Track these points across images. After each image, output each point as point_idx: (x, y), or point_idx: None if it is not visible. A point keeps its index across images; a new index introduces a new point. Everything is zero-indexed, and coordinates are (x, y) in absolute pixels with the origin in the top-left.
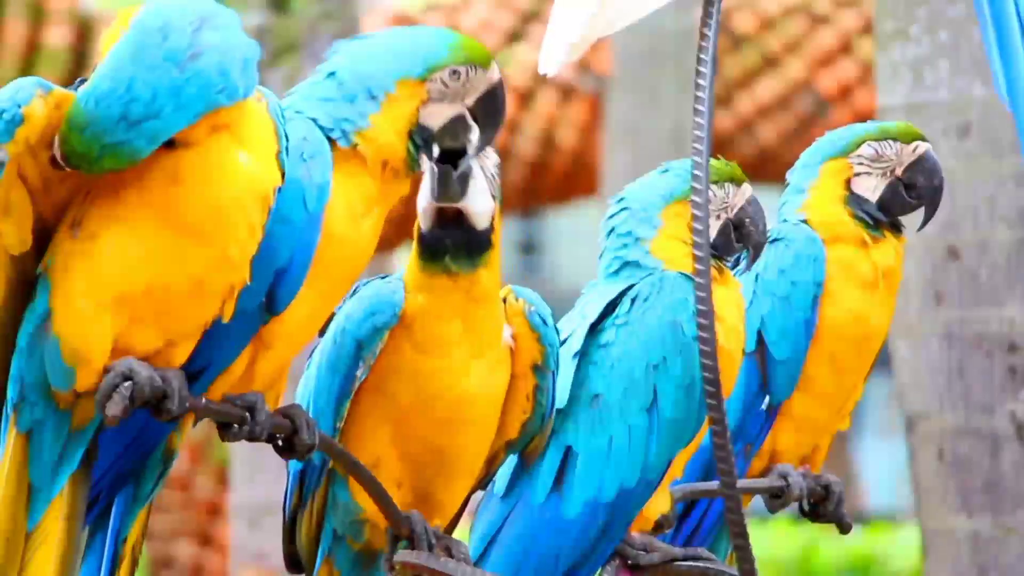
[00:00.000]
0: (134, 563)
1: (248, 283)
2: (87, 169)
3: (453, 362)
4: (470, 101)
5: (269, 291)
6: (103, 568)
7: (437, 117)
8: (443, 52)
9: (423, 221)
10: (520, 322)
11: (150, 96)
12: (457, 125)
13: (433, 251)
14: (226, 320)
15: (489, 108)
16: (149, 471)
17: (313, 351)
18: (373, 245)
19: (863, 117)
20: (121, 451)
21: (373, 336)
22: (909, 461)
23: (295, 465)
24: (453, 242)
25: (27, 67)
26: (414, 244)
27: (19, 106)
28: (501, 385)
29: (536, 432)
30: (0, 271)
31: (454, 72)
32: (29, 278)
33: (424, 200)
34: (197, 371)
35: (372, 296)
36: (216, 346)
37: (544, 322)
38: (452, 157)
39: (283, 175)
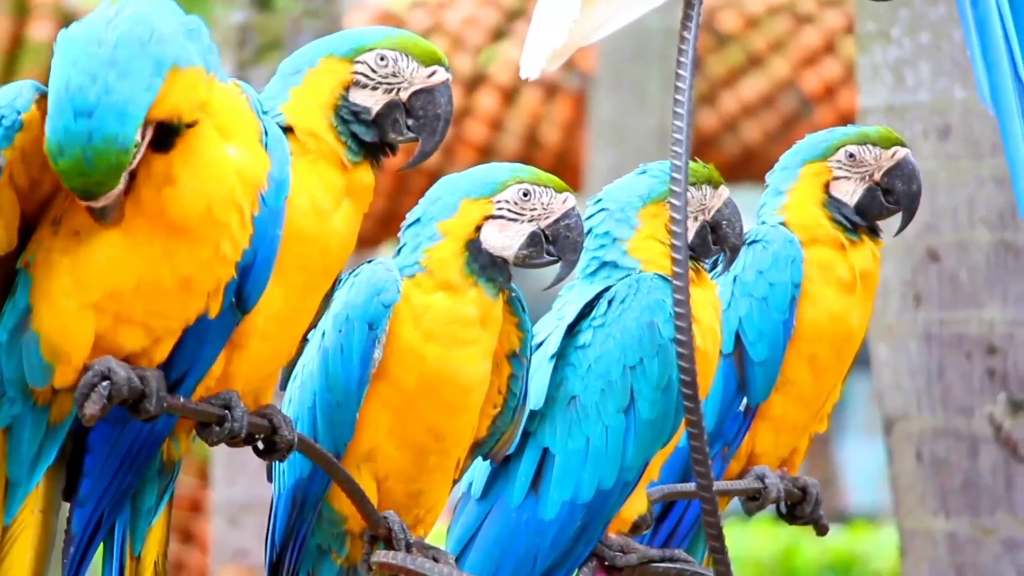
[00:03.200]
0: None
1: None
2: (96, 189)
3: (459, 349)
4: (404, 95)
5: (237, 290)
6: None
7: (369, 100)
8: (376, 38)
9: (511, 248)
10: (503, 307)
11: (89, 80)
12: (392, 112)
13: (488, 267)
14: (213, 315)
15: (427, 106)
16: (148, 485)
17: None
18: (349, 240)
19: (847, 117)
20: (116, 466)
21: (383, 314)
22: (888, 462)
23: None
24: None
25: (11, 62)
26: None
27: (19, 112)
28: (489, 373)
29: (505, 428)
30: None
31: (381, 57)
32: (9, 273)
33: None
34: (178, 378)
35: (371, 277)
36: (194, 350)
37: (523, 308)
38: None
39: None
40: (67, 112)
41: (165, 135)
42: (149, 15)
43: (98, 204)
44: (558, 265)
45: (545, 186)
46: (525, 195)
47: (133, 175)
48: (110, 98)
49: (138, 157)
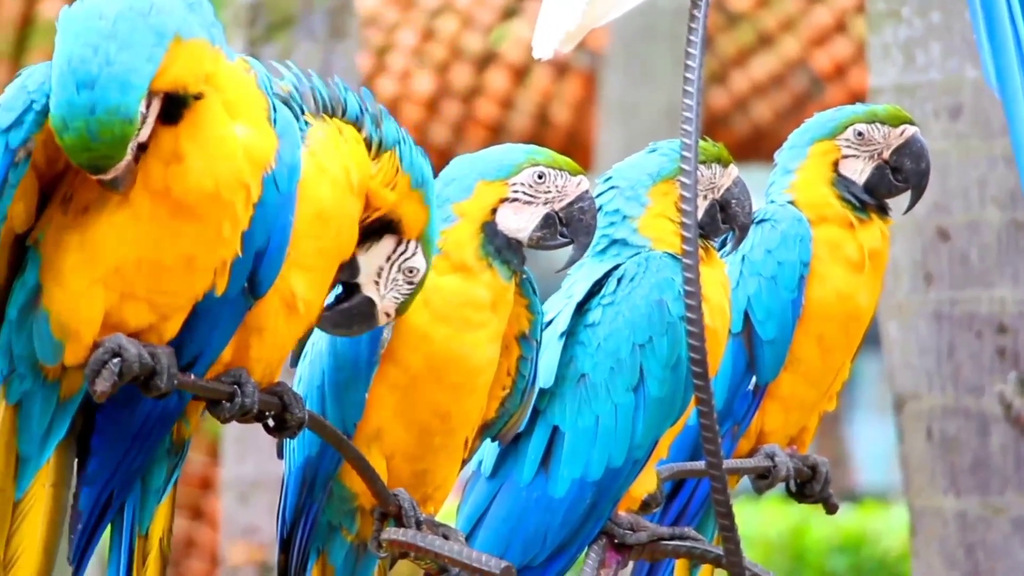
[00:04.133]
0: (164, 557)
1: (240, 256)
2: (103, 163)
3: (469, 332)
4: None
5: (250, 274)
6: (121, 562)
7: None
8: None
9: (525, 230)
10: (514, 288)
11: (91, 52)
12: None
13: (503, 249)
14: (219, 293)
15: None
16: (157, 465)
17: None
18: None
19: (858, 96)
20: (125, 445)
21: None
22: (898, 441)
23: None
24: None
25: (21, 40)
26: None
27: (47, 96)
28: (498, 354)
29: (514, 410)
30: (3, 249)
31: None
32: (19, 251)
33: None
34: (188, 362)
35: None
36: (205, 333)
37: (533, 290)
38: None
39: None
40: (69, 85)
41: (172, 107)
42: None
43: (107, 177)
44: (571, 247)
45: (560, 169)
46: (540, 177)
47: (143, 147)
48: (111, 69)
49: (146, 130)
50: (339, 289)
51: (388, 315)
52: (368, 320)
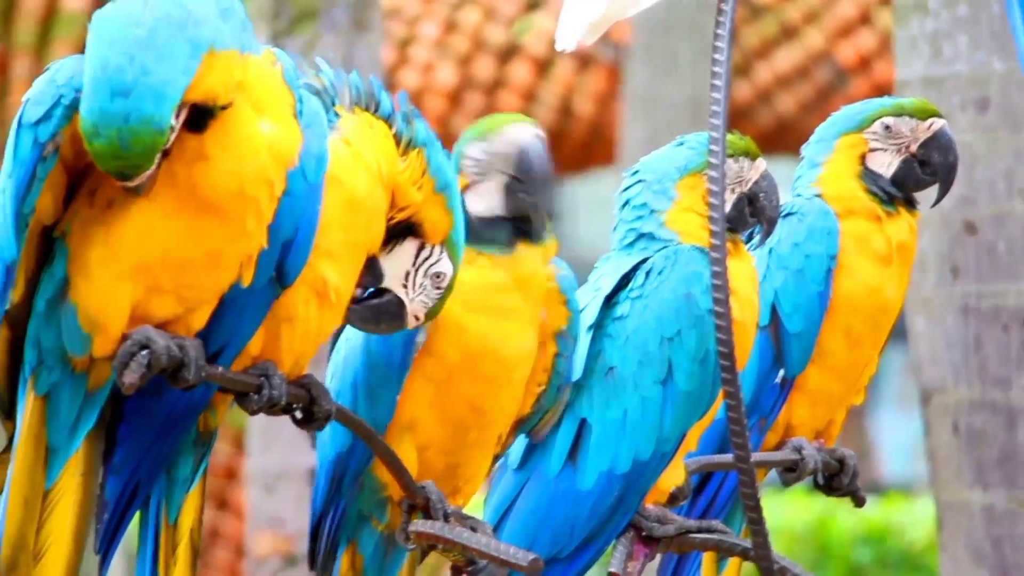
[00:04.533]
0: (194, 548)
1: (265, 248)
2: (131, 171)
3: (501, 320)
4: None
5: (278, 264)
6: (148, 552)
7: None
8: None
9: (486, 211)
10: (550, 287)
11: (127, 60)
12: None
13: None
14: (246, 284)
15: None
16: (183, 455)
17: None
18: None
19: (882, 88)
20: (152, 435)
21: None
22: (924, 435)
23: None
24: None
25: (45, 32)
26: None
27: (76, 91)
28: (535, 349)
29: (549, 407)
30: (31, 242)
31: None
32: (47, 242)
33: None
34: (216, 351)
35: None
36: (232, 324)
37: (572, 287)
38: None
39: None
40: (104, 92)
41: (200, 116)
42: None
43: (131, 184)
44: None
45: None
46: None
47: (166, 152)
48: (147, 79)
49: (172, 138)
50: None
51: (417, 318)
52: (396, 320)
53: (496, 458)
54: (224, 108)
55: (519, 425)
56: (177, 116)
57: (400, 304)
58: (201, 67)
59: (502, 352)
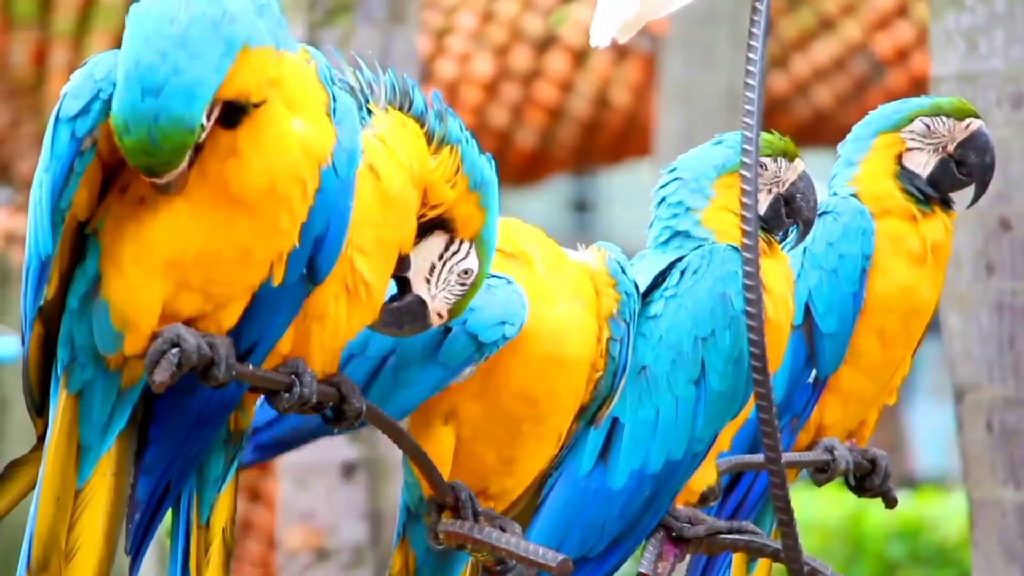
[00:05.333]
0: (227, 548)
1: (297, 247)
2: (161, 168)
3: (553, 307)
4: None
5: (309, 260)
6: (178, 552)
7: None
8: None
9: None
10: (600, 271)
11: (159, 58)
12: None
13: None
14: (276, 283)
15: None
16: (214, 454)
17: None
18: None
19: (919, 80)
20: (183, 434)
21: (497, 344)
22: (957, 431)
23: None
24: None
25: (83, 21)
26: None
27: (114, 86)
28: (592, 329)
29: (607, 393)
30: (65, 237)
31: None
32: (81, 237)
33: None
34: (247, 349)
35: (506, 303)
36: (263, 321)
37: (622, 270)
38: None
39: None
40: (135, 90)
41: (233, 112)
42: None
43: (161, 181)
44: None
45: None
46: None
47: (199, 148)
48: (179, 78)
49: (204, 135)
50: (393, 288)
51: (441, 316)
52: (419, 320)
53: (561, 451)
54: (257, 105)
55: (580, 413)
56: (209, 114)
57: (422, 303)
58: (234, 65)
59: (554, 338)
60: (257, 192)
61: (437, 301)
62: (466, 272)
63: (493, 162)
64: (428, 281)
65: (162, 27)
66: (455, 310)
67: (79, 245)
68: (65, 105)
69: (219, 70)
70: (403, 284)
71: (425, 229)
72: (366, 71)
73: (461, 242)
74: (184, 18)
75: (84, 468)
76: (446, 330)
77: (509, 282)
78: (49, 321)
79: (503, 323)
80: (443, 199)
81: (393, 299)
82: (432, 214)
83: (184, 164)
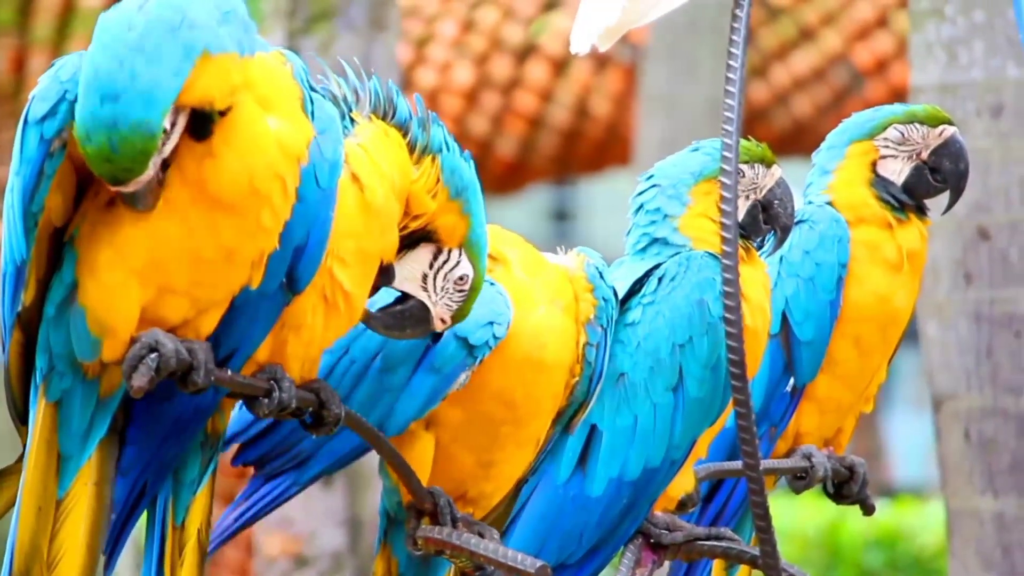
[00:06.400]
0: (202, 549)
1: (277, 250)
2: (124, 175)
3: (533, 310)
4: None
5: (289, 270)
6: (154, 553)
7: None
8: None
9: None
10: (579, 275)
11: (116, 64)
12: None
13: None
14: (255, 286)
15: None
16: (191, 457)
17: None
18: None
19: (899, 91)
20: (161, 437)
21: (489, 345)
22: (936, 441)
23: None
24: None
25: (62, 27)
26: None
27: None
28: (571, 333)
29: (583, 399)
30: (41, 243)
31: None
32: (58, 245)
33: None
34: (225, 356)
35: (491, 303)
36: (243, 329)
37: (601, 276)
38: None
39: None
40: (93, 97)
41: (201, 123)
42: (181, 2)
43: (127, 190)
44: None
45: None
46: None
47: (166, 164)
48: (136, 83)
49: (169, 144)
50: (396, 294)
51: (444, 321)
52: (422, 324)
53: (538, 456)
54: (224, 113)
55: (555, 419)
56: (173, 122)
57: (424, 308)
58: (194, 71)
59: (535, 341)
60: (236, 193)
61: (439, 307)
62: (462, 279)
63: (473, 163)
64: (424, 289)
65: (120, 34)
66: (458, 315)
67: (57, 254)
68: (33, 108)
69: (178, 75)
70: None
71: (411, 241)
72: (350, 78)
73: (450, 251)
74: (141, 24)
75: (65, 478)
76: (434, 336)
77: (492, 283)
78: (29, 328)
79: (491, 324)
80: (425, 209)
81: (396, 302)
82: (414, 225)
83: (151, 172)
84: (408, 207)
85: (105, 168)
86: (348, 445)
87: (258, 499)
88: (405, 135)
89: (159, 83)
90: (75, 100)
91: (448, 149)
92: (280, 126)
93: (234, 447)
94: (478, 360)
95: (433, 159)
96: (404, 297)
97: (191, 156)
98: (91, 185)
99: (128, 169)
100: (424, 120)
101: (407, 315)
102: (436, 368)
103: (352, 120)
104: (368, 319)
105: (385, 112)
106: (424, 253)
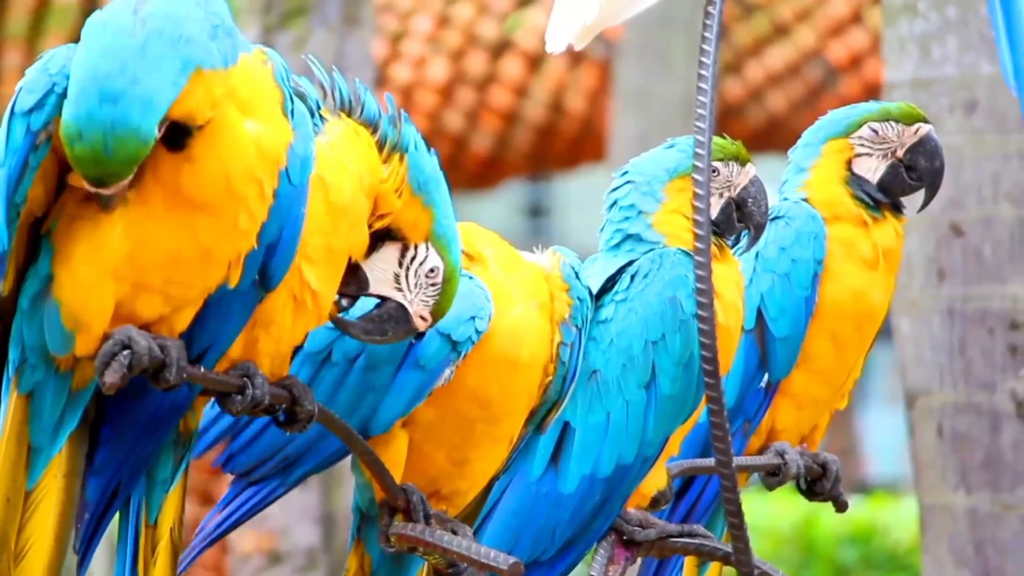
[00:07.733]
0: (174, 547)
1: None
2: (110, 178)
3: (509, 308)
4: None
5: (261, 267)
6: (127, 551)
7: None
8: None
9: None
10: (554, 274)
11: (118, 68)
12: None
13: None
14: (232, 285)
15: None
16: (164, 456)
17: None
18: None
19: (873, 87)
20: (134, 436)
21: (472, 339)
22: (909, 437)
23: None
24: None
25: (37, 23)
26: None
27: (69, 79)
28: (547, 331)
29: (556, 398)
30: (21, 234)
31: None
32: (36, 238)
33: None
34: (198, 354)
35: (471, 297)
36: (216, 326)
37: (576, 275)
38: None
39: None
40: (92, 98)
41: (176, 135)
42: (177, 14)
43: (107, 192)
44: None
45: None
46: None
47: (140, 169)
48: (137, 88)
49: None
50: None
51: (424, 319)
52: (403, 325)
53: (511, 454)
54: (201, 127)
55: (530, 417)
56: (159, 129)
57: (401, 308)
58: (188, 85)
59: (511, 339)
60: (213, 195)
61: (416, 305)
62: (432, 271)
63: (436, 155)
64: (399, 289)
65: (121, 39)
66: (437, 311)
67: (35, 246)
68: (20, 99)
69: (175, 86)
70: (381, 296)
71: (375, 239)
72: (319, 75)
73: (417, 246)
74: (143, 33)
75: (34, 469)
76: (417, 335)
77: (471, 277)
78: (3, 319)
79: (473, 318)
80: (391, 208)
81: (373, 308)
82: (379, 224)
83: (129, 178)
84: (376, 206)
85: (92, 170)
86: (333, 446)
87: (242, 503)
88: (374, 133)
89: (159, 91)
90: (63, 94)
91: (416, 148)
92: (259, 130)
93: (216, 450)
94: (462, 355)
95: (401, 158)
96: (381, 302)
97: (170, 159)
98: (69, 181)
99: (115, 173)
100: (394, 118)
101: (385, 317)
102: (420, 365)
103: (322, 117)
104: (348, 327)
105: (353, 110)
106: (391, 252)
